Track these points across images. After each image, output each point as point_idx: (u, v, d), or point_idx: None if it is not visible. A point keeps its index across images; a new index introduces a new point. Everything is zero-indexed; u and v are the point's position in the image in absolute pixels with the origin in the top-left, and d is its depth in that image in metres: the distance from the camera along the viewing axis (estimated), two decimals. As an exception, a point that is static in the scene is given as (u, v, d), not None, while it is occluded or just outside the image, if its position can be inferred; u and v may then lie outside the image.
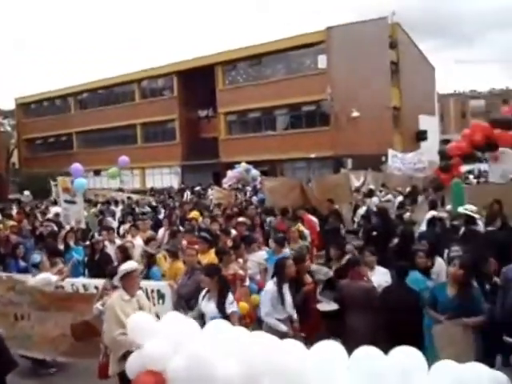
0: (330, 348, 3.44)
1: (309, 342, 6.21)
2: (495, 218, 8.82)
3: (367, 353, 3.33)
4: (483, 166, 20.25)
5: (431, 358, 5.10)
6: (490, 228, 8.51)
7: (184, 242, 8.68)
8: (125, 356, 4.18)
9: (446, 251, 7.36)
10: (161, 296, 6.55)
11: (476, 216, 8.66)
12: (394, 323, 5.62)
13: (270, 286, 5.96)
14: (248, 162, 26.65)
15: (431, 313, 5.66)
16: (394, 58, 35.56)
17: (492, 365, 5.29)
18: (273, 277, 6.09)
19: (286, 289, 5.92)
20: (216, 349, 3.48)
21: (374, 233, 8.80)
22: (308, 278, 6.52)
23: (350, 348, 5.86)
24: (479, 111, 58.05)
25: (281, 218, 11.10)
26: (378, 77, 32.48)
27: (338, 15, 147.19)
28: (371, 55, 31.37)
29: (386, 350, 4.79)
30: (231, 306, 5.36)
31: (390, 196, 15.08)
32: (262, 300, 5.98)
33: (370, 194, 15.33)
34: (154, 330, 3.75)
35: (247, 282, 7.11)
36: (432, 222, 8.78)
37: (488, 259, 5.87)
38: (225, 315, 5.21)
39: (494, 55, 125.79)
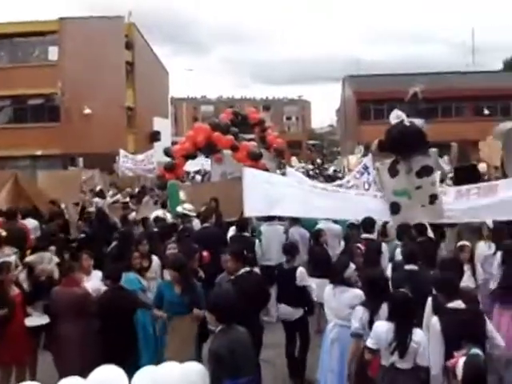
0: None
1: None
2: (211, 215, 9.63)
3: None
4: (209, 167, 21.83)
5: (147, 356, 5.55)
6: (205, 224, 9.20)
7: None
8: None
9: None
10: None
11: (192, 214, 9.28)
12: (110, 327, 5.52)
13: None
14: (-41, 159, 23.02)
15: (155, 311, 5.78)
16: (130, 58, 35.54)
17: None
18: None
19: None
20: None
21: (83, 235, 8.56)
22: (14, 290, 5.90)
23: (63, 359, 5.56)
24: (209, 116, 63.09)
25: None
26: (113, 75, 31.93)
27: (72, 8, 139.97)
28: (106, 53, 30.63)
29: (102, 357, 4.78)
30: None
31: (119, 196, 14.99)
32: None
33: (101, 194, 14.94)
34: None
35: None
36: (144, 221, 8.99)
37: (194, 255, 6.24)
38: None
39: (225, 66, 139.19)
